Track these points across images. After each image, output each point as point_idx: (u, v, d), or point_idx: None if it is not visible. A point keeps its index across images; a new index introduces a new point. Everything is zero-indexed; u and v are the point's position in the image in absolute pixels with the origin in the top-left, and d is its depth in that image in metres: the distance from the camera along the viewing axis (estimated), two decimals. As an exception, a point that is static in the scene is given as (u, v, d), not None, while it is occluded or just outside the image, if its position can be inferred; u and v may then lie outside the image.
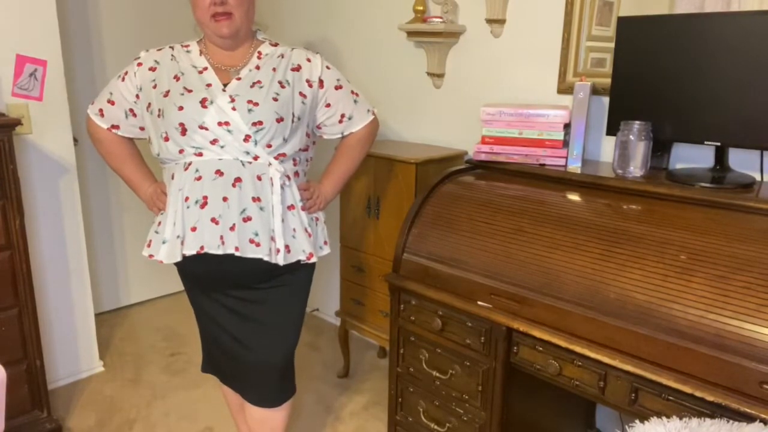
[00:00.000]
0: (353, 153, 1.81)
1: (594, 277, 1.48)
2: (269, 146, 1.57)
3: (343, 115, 1.73)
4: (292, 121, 1.61)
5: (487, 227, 1.73)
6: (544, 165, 1.88)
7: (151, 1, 3.15)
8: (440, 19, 2.34)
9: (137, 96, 1.65)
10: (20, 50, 2.23)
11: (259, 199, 1.57)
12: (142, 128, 1.70)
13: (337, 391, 2.60)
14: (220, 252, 1.56)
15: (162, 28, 3.15)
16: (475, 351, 1.70)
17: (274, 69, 1.64)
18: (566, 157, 1.87)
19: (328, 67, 1.71)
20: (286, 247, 1.61)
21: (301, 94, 1.65)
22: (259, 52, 1.67)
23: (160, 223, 1.64)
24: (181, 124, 1.54)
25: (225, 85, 1.59)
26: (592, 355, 1.44)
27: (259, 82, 1.60)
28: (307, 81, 1.67)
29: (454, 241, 1.76)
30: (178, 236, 1.57)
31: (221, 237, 1.55)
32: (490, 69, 2.32)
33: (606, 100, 1.89)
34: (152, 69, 1.64)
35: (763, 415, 1.19)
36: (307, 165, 1.76)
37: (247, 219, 1.56)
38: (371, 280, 2.42)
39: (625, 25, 1.76)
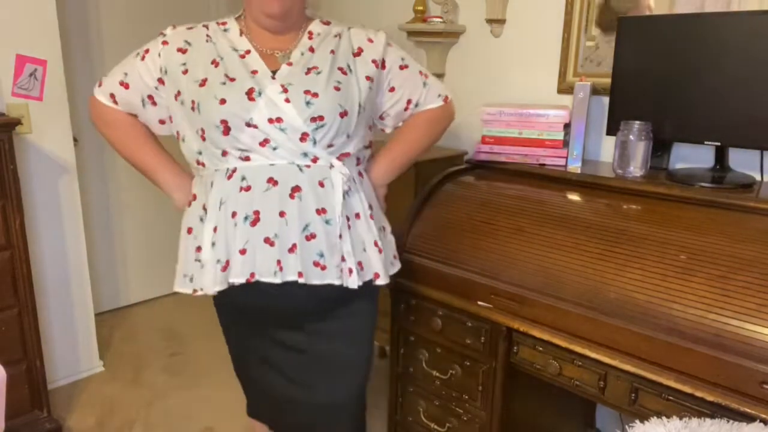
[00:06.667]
0: (415, 132, 1.52)
1: (594, 277, 1.48)
2: (330, 146, 1.32)
3: (409, 101, 1.48)
4: (358, 113, 1.35)
5: (487, 227, 1.73)
6: (544, 165, 1.88)
7: (152, 1, 3.15)
8: (440, 19, 2.34)
9: (160, 81, 1.37)
10: (20, 50, 2.23)
11: (324, 211, 1.30)
12: (162, 121, 1.43)
13: (337, 391, 2.60)
14: (277, 280, 1.28)
15: (162, 27, 3.15)
16: (475, 351, 1.70)
17: (332, 51, 1.37)
18: (566, 157, 1.87)
19: (389, 45, 1.45)
20: (359, 263, 1.35)
21: (367, 78, 1.39)
22: (310, 32, 1.39)
23: (199, 248, 1.34)
24: (223, 122, 1.27)
25: (274, 72, 1.31)
26: (592, 355, 1.44)
27: (315, 67, 1.33)
28: (373, 61, 1.40)
29: (454, 241, 1.76)
30: (218, 260, 1.30)
31: (278, 262, 1.28)
32: (490, 69, 2.32)
33: (606, 100, 1.89)
34: (182, 50, 1.36)
35: (763, 415, 1.19)
36: (365, 164, 1.51)
37: (310, 237, 1.29)
38: (371, 280, 2.41)
39: (625, 25, 1.76)
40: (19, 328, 2.12)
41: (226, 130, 1.28)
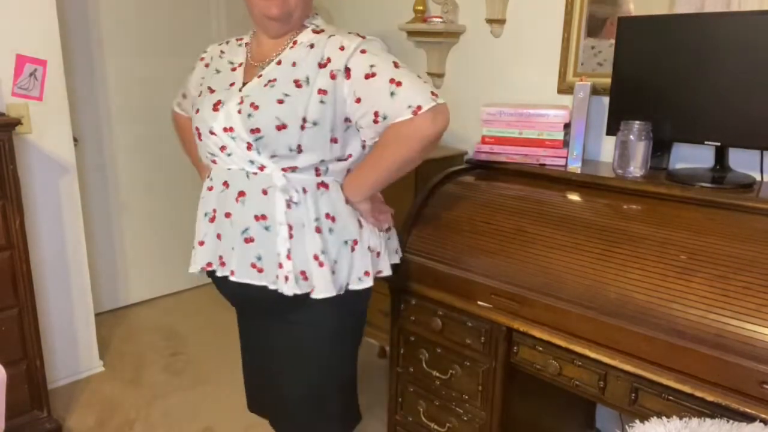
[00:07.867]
0: (382, 149, 1.38)
1: (594, 277, 1.48)
2: (274, 156, 1.34)
3: (376, 113, 1.33)
4: (302, 128, 1.31)
5: (487, 227, 1.73)
6: (544, 165, 1.88)
7: (152, 1, 3.15)
8: (440, 19, 2.34)
9: (200, 94, 1.51)
10: (20, 50, 2.23)
11: (264, 217, 1.35)
12: None
13: (337, 391, 2.60)
14: (219, 273, 1.43)
15: (162, 27, 3.15)
16: (475, 351, 1.70)
17: (294, 63, 1.36)
18: (566, 157, 1.87)
19: (363, 51, 1.34)
20: (302, 273, 1.36)
21: (320, 91, 1.32)
22: (294, 42, 1.40)
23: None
24: (197, 129, 1.43)
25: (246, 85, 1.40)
26: (592, 355, 1.44)
27: (274, 80, 1.35)
28: (331, 72, 1.33)
29: (454, 241, 1.76)
30: (193, 247, 1.50)
31: (221, 257, 1.43)
32: (490, 69, 2.32)
33: (606, 100, 1.89)
34: (207, 66, 1.55)
35: (763, 415, 1.19)
36: (343, 175, 1.45)
37: (248, 240, 1.37)
38: (371, 280, 2.41)
39: (625, 25, 1.76)
40: (19, 328, 2.12)
41: (199, 136, 1.44)
